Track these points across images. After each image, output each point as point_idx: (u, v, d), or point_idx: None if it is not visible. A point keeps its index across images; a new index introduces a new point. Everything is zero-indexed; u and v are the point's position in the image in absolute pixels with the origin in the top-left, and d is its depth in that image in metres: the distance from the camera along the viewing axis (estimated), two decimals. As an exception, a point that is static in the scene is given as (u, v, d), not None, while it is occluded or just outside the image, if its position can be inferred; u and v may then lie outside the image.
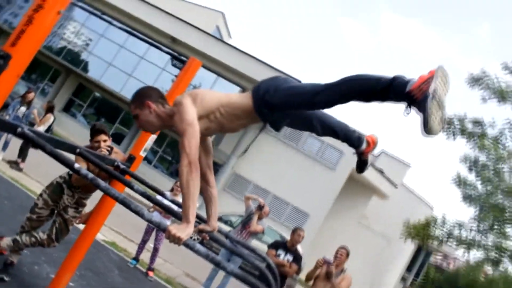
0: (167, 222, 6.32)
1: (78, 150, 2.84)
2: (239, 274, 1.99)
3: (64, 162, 2.22)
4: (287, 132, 20.49)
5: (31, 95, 9.09)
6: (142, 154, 3.75)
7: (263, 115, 2.42)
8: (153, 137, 3.72)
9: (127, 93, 19.81)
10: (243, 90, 19.32)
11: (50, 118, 9.36)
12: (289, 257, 6.06)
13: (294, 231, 6.21)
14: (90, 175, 2.17)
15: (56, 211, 3.84)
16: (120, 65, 20.24)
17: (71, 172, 3.81)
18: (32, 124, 10.18)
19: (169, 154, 21.54)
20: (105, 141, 3.70)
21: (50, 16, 2.13)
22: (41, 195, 3.84)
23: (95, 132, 3.74)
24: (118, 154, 3.77)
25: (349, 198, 22.18)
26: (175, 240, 2.01)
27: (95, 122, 3.66)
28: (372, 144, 2.66)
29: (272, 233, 14.22)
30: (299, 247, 6.51)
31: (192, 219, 2.12)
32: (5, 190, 6.55)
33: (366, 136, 2.69)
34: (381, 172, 23.05)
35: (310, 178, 19.50)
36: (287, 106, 2.38)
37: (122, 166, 3.30)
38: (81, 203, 3.89)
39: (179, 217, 2.70)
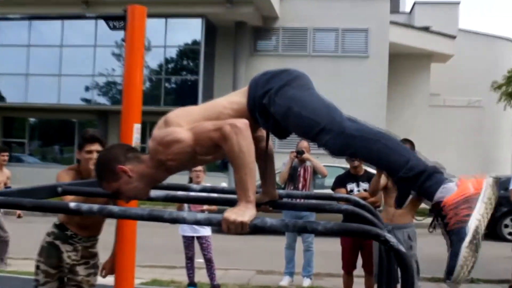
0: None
1: (60, 188, 2.89)
2: (334, 228, 2.04)
3: (55, 208, 2.27)
4: (286, 43, 20.42)
5: None
6: (136, 154, 3.81)
7: (257, 121, 2.42)
8: (137, 127, 3.77)
9: (70, 99, 19.84)
10: (205, 18, 19.04)
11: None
12: (364, 186, 6.20)
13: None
14: (95, 206, 2.21)
15: (65, 278, 3.95)
16: (41, 70, 20.11)
17: (57, 222, 3.90)
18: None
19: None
20: (99, 151, 3.76)
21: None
22: (37, 267, 3.94)
23: (87, 140, 3.83)
24: None
25: (404, 82, 22.18)
26: (239, 227, 2.05)
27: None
28: None
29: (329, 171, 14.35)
30: (368, 168, 6.56)
31: (252, 196, 2.14)
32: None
33: None
34: (426, 29, 22.79)
35: (344, 82, 19.42)
36: (285, 122, 2.35)
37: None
38: (89, 254, 3.98)
39: (225, 203, 2.77)
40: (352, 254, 6.26)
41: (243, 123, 2.17)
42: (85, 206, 2.24)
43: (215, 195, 3.20)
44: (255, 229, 2.05)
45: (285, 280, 7.54)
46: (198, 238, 6.64)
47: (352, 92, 19.23)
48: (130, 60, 3.80)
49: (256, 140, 2.69)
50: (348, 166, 6.59)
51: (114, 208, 2.19)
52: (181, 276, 7.21)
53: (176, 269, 7.97)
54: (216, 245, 6.81)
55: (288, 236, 7.57)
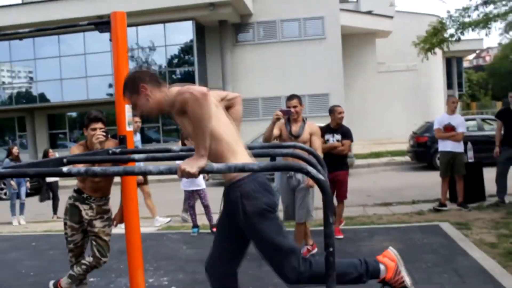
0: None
1: (65, 160, 2.85)
2: (267, 166, 2.01)
3: (51, 173, 2.25)
4: (260, 33, 20.22)
5: (15, 150, 9.37)
6: (129, 129, 3.75)
7: None
8: (128, 108, 3.70)
9: (96, 95, 19.67)
10: (195, 20, 18.73)
11: None
12: (337, 137, 6.00)
13: (332, 111, 6.09)
14: (83, 168, 2.18)
15: (86, 230, 3.94)
16: (71, 74, 19.89)
17: (76, 188, 3.88)
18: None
19: (171, 123, 21.66)
20: (101, 129, 3.74)
21: None
22: (65, 224, 3.93)
23: (91, 120, 3.80)
24: (111, 142, 3.81)
25: (355, 56, 22.12)
26: (188, 175, 2.03)
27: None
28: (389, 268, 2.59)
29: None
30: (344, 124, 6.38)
31: (204, 151, 2.11)
32: (48, 243, 6.80)
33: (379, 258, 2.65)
34: (369, 13, 22.63)
35: (308, 59, 19.35)
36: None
37: (118, 150, 3.34)
38: (103, 210, 3.96)
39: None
40: (330, 187, 6.09)
41: (200, 92, 2.13)
42: (74, 170, 2.21)
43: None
44: (203, 172, 2.04)
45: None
46: (197, 190, 6.63)
47: (315, 67, 19.16)
48: (117, 56, 3.71)
49: (230, 105, 2.70)
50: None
51: (97, 169, 2.15)
52: (188, 223, 7.23)
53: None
54: (214, 195, 6.82)
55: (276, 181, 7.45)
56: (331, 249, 1.97)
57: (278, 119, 4.63)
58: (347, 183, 6.10)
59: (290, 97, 4.96)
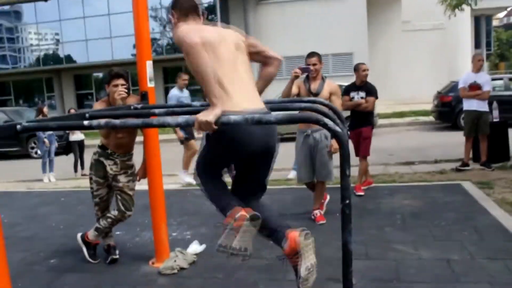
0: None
1: (87, 114, 2.88)
2: (284, 118, 1.99)
3: (72, 126, 2.27)
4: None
5: (46, 110, 9.56)
6: (150, 85, 3.76)
7: None
8: (149, 64, 3.70)
9: (120, 55, 19.69)
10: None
11: None
12: (362, 94, 5.99)
13: (357, 69, 6.06)
14: (103, 121, 2.19)
15: (111, 185, 4.01)
16: (96, 35, 19.93)
17: (100, 144, 3.93)
18: (61, 136, 10.75)
19: (194, 83, 21.67)
20: (123, 85, 3.76)
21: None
22: (91, 179, 4.01)
23: (113, 77, 3.82)
24: (132, 98, 3.83)
25: (380, 15, 21.48)
26: (205, 125, 2.02)
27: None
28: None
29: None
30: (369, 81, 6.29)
31: (214, 99, 2.11)
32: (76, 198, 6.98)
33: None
34: (396, -31, 21.85)
35: (332, 18, 18.88)
36: None
37: (139, 105, 3.36)
38: (126, 165, 4.00)
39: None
40: (355, 144, 6.06)
41: (189, 45, 2.13)
42: (94, 122, 2.22)
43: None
44: (222, 124, 2.02)
45: (291, 174, 7.56)
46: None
47: (339, 26, 18.72)
48: (137, 12, 3.72)
49: (267, 60, 2.61)
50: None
51: (116, 121, 2.17)
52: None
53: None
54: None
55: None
56: (347, 201, 1.96)
57: (296, 76, 4.58)
58: (370, 140, 6.06)
59: (310, 55, 4.90)
